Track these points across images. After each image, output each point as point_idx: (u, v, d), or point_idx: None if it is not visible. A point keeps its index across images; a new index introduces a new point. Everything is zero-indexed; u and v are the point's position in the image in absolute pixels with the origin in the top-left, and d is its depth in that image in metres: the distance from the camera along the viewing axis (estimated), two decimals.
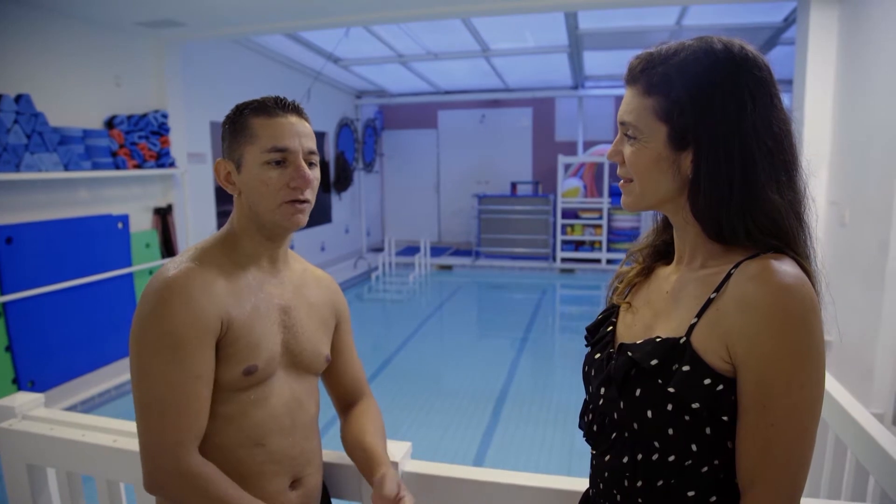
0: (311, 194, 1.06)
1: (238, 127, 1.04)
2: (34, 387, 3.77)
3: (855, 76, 3.73)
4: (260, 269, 1.09)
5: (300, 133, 1.04)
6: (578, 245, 8.95)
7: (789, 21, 5.27)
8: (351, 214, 9.57)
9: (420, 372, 4.99)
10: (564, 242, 8.91)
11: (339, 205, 9.12)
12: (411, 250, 9.50)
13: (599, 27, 5.79)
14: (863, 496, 1.42)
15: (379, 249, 9.70)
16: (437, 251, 9.83)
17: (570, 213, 8.90)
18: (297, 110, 1.06)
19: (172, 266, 1.00)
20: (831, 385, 1.66)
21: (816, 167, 4.06)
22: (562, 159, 8.75)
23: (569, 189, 8.78)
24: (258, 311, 1.04)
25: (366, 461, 1.10)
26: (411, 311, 7.10)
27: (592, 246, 8.88)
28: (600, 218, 8.71)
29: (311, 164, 1.06)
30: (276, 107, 1.03)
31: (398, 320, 6.86)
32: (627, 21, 5.57)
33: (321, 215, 8.59)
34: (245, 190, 1.05)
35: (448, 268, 9.23)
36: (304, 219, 1.06)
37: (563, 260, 8.87)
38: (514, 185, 9.59)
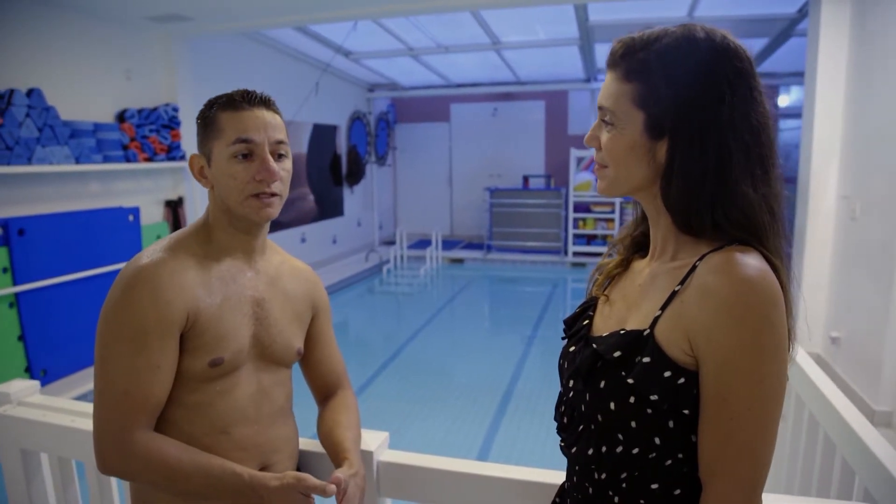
0: (279, 187, 1.05)
1: (207, 122, 1.05)
2: (46, 376, 3.85)
3: (866, 69, 3.66)
4: (234, 261, 1.10)
5: (267, 125, 1.04)
6: (590, 239, 8.90)
7: (804, 12, 5.17)
8: (363, 208, 9.61)
9: (429, 365, 5.01)
10: (576, 236, 8.87)
11: (352, 198, 9.16)
12: (423, 243, 9.52)
13: (610, 19, 5.73)
14: (849, 495, 1.41)
15: (391, 243, 9.73)
16: (448, 244, 9.83)
17: (582, 207, 8.85)
18: (265, 102, 1.06)
19: (146, 255, 1.01)
20: (825, 385, 1.64)
21: (827, 161, 4.00)
22: (574, 153, 8.70)
23: (581, 183, 8.73)
24: (228, 303, 1.05)
25: (334, 453, 1.12)
26: (422, 305, 7.12)
27: (604, 240, 8.81)
28: (612, 212, 8.66)
29: (280, 156, 1.06)
30: (242, 100, 1.03)
31: (409, 313, 6.89)
32: (638, 13, 5.50)
33: (333, 208, 8.63)
34: (215, 184, 1.07)
35: (459, 261, 9.23)
36: (274, 212, 1.06)
37: (575, 254, 8.83)
38: (526, 179, 9.54)
